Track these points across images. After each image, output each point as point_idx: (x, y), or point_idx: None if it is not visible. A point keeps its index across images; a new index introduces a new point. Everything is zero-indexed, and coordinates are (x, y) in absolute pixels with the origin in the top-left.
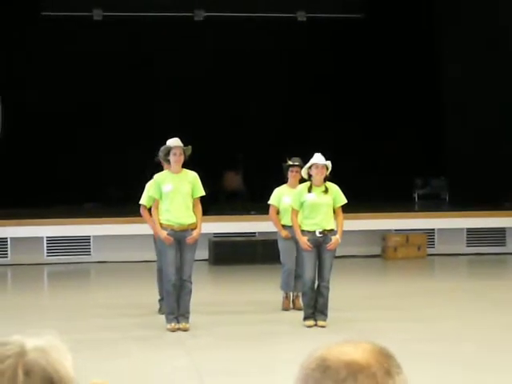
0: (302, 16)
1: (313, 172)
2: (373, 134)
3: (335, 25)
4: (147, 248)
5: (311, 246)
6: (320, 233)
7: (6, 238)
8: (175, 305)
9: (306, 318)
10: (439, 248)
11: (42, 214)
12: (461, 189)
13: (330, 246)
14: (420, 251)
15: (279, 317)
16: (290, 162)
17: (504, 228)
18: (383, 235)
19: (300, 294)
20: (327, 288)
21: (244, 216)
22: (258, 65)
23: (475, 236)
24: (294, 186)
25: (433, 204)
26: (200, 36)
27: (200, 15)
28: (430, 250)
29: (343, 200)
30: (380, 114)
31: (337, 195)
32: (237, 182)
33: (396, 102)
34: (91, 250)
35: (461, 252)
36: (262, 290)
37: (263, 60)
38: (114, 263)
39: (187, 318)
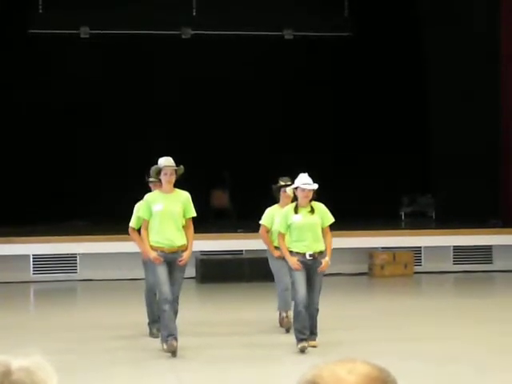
0: (289, 34)
1: (298, 195)
2: (359, 152)
3: (322, 43)
4: (134, 266)
5: (301, 265)
6: (310, 255)
7: None
8: (173, 325)
9: (300, 341)
10: (426, 266)
11: (29, 232)
12: (447, 207)
13: (320, 268)
14: (407, 269)
15: (269, 337)
16: (282, 183)
17: (490, 246)
18: (370, 253)
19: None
20: (317, 310)
21: (231, 234)
22: (244, 83)
23: (462, 254)
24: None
25: (419, 222)
26: (187, 54)
27: (187, 33)
28: (417, 268)
29: (331, 219)
30: (366, 132)
31: (324, 215)
32: (224, 200)
33: (383, 120)
34: (78, 267)
35: (447, 270)
36: (250, 309)
37: (250, 78)
38: (101, 281)
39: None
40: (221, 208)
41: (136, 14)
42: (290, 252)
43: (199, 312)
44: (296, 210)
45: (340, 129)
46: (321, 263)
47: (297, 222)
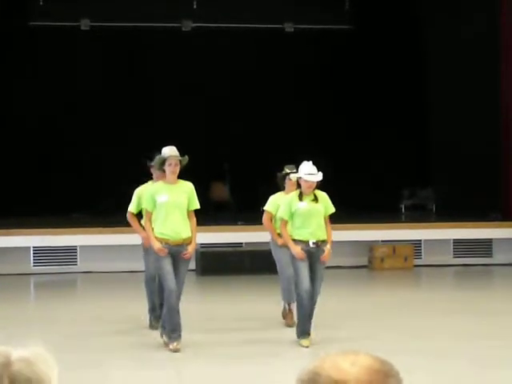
0: (289, 27)
1: (302, 185)
2: (359, 145)
3: (322, 36)
4: (134, 258)
5: (305, 254)
6: (314, 243)
7: None
8: (178, 319)
9: (302, 336)
10: (426, 259)
11: (29, 224)
12: (447, 200)
13: (324, 257)
14: (407, 262)
15: (271, 332)
16: (287, 170)
17: (491, 239)
18: (370, 246)
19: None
20: (316, 299)
21: (231, 226)
22: (244, 75)
23: (462, 247)
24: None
25: (420, 215)
26: (187, 46)
27: (188, 26)
28: (417, 261)
29: (332, 209)
30: (366, 124)
31: (327, 204)
32: (224, 193)
33: (383, 113)
34: (78, 260)
35: (447, 263)
36: (250, 302)
37: (250, 70)
38: (101, 273)
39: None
40: (221, 200)
41: (136, 7)
42: (294, 240)
43: (200, 305)
44: (300, 197)
45: (340, 121)
46: (323, 251)
47: (302, 208)
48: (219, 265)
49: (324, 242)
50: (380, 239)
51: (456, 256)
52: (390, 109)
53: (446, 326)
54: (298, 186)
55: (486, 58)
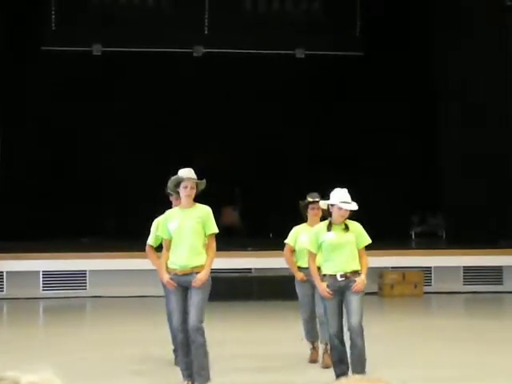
0: (300, 53)
1: (334, 213)
2: (370, 171)
3: (333, 62)
4: (143, 283)
5: (331, 292)
6: (341, 276)
7: (2, 272)
8: (188, 358)
9: (337, 377)
10: (436, 286)
11: (39, 248)
12: (457, 226)
13: (354, 287)
14: (417, 289)
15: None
16: (310, 199)
17: (501, 266)
18: (380, 272)
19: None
20: (359, 335)
21: (240, 252)
22: (255, 101)
23: (472, 274)
24: (315, 225)
25: (430, 242)
26: (199, 72)
27: (199, 51)
28: (427, 288)
29: (367, 240)
30: (377, 150)
31: (360, 234)
32: (234, 218)
33: (393, 139)
34: (87, 284)
35: (457, 290)
36: (261, 330)
37: (261, 96)
38: (110, 298)
39: (203, 375)
40: (230, 225)
41: (148, 32)
42: (322, 275)
43: (207, 332)
44: (329, 228)
45: (350, 147)
46: (355, 281)
47: (329, 239)
48: (228, 290)
49: (355, 272)
50: (390, 266)
51: (466, 283)
52: (400, 135)
53: (456, 355)
54: (329, 213)
55: (498, 83)
